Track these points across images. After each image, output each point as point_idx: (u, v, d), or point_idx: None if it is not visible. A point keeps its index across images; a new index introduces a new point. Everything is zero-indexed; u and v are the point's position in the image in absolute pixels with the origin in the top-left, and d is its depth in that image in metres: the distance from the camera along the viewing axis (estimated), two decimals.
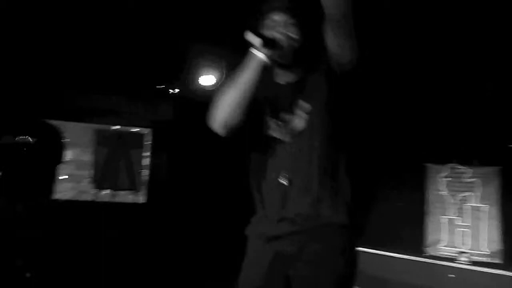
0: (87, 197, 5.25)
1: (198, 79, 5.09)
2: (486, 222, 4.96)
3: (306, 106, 1.57)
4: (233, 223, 5.43)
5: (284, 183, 1.54)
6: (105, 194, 5.34)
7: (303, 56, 1.57)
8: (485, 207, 4.99)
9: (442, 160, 5.26)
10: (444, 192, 5.27)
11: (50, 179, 4.82)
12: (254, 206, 1.73)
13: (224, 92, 1.54)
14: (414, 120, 5.09)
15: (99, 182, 5.31)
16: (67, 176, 5.16)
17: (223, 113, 1.53)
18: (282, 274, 1.55)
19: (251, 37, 1.47)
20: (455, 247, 5.09)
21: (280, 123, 1.60)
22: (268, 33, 1.51)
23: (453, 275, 4.59)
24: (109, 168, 5.31)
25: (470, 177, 5.13)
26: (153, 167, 5.48)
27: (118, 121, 5.28)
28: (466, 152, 5.10)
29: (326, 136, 1.55)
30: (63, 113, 4.94)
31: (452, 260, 4.91)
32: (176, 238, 5.32)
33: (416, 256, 5.04)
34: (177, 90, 5.25)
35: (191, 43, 4.71)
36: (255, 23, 1.59)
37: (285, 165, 1.57)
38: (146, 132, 5.44)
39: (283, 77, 1.64)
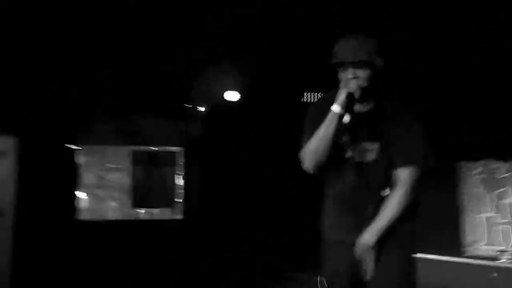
0: (128, 216, 5.53)
1: (223, 96, 5.28)
2: None
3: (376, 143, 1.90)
4: (268, 235, 5.62)
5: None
6: (144, 212, 5.60)
7: (373, 91, 1.87)
8: None
9: (475, 157, 5.16)
10: (479, 190, 5.16)
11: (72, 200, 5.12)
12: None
13: (311, 143, 1.86)
14: (443, 118, 5.03)
15: (137, 202, 5.58)
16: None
17: (312, 159, 1.88)
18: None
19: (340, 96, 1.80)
20: (495, 245, 4.95)
21: (355, 148, 1.91)
22: (346, 89, 1.80)
23: (496, 275, 4.48)
24: (146, 187, 5.57)
25: (504, 173, 5.00)
26: (187, 184, 5.69)
27: (151, 142, 5.55)
28: (499, 148, 4.98)
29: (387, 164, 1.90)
30: (98, 137, 5.26)
31: (493, 259, 4.80)
32: (213, 250, 5.47)
33: (456, 257, 4.95)
34: (204, 108, 5.45)
35: (216, 61, 4.90)
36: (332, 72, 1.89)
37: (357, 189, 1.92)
38: (178, 150, 5.68)
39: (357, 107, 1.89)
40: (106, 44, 4.59)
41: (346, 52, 1.82)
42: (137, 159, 5.57)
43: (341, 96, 1.78)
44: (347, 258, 1.90)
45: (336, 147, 1.85)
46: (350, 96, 1.79)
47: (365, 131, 1.88)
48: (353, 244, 1.88)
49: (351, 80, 1.80)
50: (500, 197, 5.01)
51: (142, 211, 5.56)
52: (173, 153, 5.67)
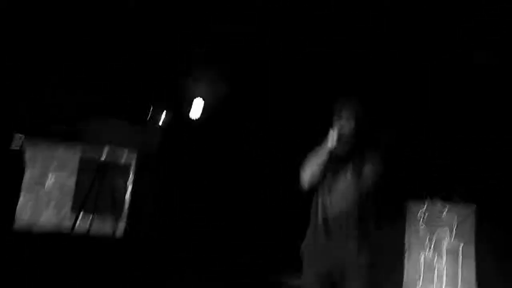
0: (68, 224, 5.14)
1: (184, 108, 5.22)
2: (461, 261, 5.09)
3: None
4: (214, 252, 5.47)
5: None
6: (85, 222, 5.25)
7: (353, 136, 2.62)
8: (460, 245, 5.14)
9: (419, 197, 5.44)
10: (421, 229, 5.41)
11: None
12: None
13: (307, 165, 2.57)
14: (395, 158, 5.29)
15: (80, 209, 5.22)
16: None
17: (307, 178, 2.56)
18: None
19: (331, 136, 2.50)
20: (431, 286, 5.17)
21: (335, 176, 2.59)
22: (341, 130, 2.52)
23: None
24: (91, 195, 5.23)
25: (446, 214, 5.29)
26: (136, 195, 5.45)
27: (103, 147, 5.29)
28: (441, 189, 5.30)
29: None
30: (51, 136, 4.94)
31: None
32: (157, 268, 5.22)
33: None
34: (164, 119, 5.33)
35: (178, 73, 4.87)
36: (332, 120, 2.62)
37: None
38: (131, 160, 5.46)
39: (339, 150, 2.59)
40: (66, 42, 4.45)
41: (340, 108, 2.65)
42: (85, 165, 5.27)
43: (332, 135, 2.50)
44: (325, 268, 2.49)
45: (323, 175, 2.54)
46: (339, 136, 2.50)
47: (344, 164, 2.58)
48: (331, 256, 2.48)
49: (341, 126, 2.56)
50: (441, 238, 5.28)
51: (83, 220, 5.21)
52: (126, 163, 5.43)
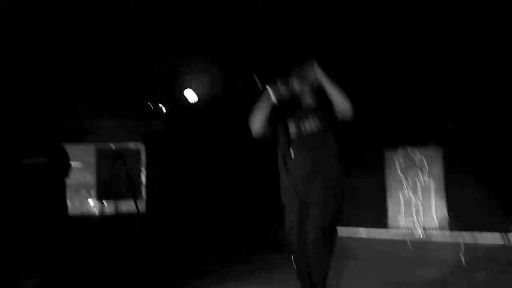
0: (94, 211, 5.88)
1: (183, 95, 5.76)
2: (434, 195, 5.96)
3: (317, 121, 2.90)
4: (224, 226, 6.15)
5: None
6: (109, 206, 5.96)
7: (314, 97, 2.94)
8: (432, 183, 6.00)
9: (395, 145, 6.21)
10: (398, 173, 6.25)
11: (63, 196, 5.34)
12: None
13: (252, 115, 2.84)
14: (370, 112, 5.93)
15: (103, 196, 5.95)
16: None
17: (254, 128, 2.86)
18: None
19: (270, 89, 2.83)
20: (411, 218, 6.09)
21: (299, 124, 2.90)
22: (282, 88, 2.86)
23: (410, 243, 5.57)
24: (111, 182, 5.92)
25: (418, 158, 6.11)
26: (149, 178, 6.14)
27: (115, 139, 5.92)
28: (413, 137, 6.07)
29: (323, 135, 2.87)
30: (64, 135, 5.48)
31: (409, 229, 5.91)
32: (175, 241, 6.03)
33: (381, 228, 6.00)
34: (164, 107, 5.90)
35: (176, 61, 5.30)
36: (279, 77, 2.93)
37: (301, 150, 2.85)
38: (141, 147, 6.12)
39: (303, 103, 2.97)
40: (69, 44, 4.70)
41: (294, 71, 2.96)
42: (102, 156, 5.93)
43: (272, 91, 2.85)
44: (298, 201, 2.85)
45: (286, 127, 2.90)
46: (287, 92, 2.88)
47: (308, 115, 2.91)
48: (300, 192, 2.82)
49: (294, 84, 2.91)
50: (414, 179, 6.13)
51: (107, 205, 5.91)
52: (136, 150, 6.10)
